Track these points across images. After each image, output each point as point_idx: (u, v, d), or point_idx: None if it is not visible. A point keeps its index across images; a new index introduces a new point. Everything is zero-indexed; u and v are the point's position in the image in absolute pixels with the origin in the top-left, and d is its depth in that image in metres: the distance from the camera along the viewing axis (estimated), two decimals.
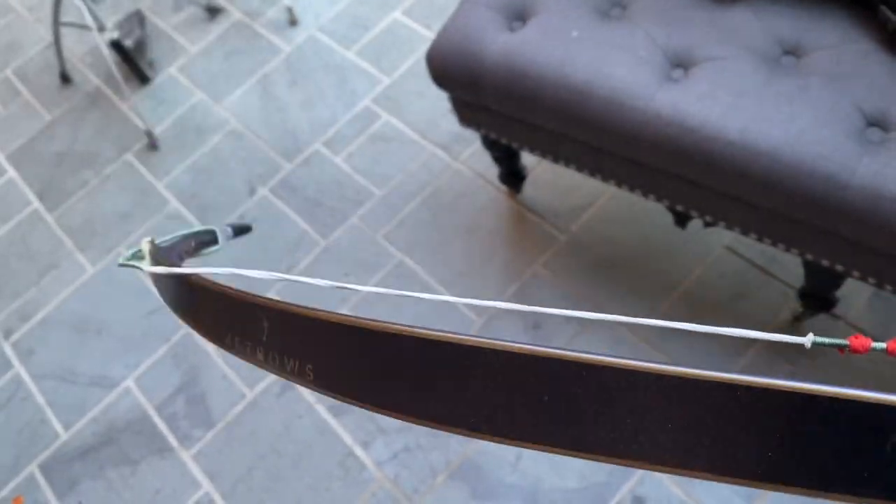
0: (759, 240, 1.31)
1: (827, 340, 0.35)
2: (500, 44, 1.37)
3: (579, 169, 1.47)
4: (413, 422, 0.40)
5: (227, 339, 0.52)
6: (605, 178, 1.44)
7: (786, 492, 0.32)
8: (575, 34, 1.32)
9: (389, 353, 0.41)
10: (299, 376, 0.45)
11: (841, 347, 0.35)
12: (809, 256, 1.27)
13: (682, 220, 1.45)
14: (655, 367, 0.34)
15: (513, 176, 1.79)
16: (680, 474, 0.33)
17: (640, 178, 1.37)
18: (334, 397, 0.43)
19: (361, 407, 0.43)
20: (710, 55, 1.23)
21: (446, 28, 1.45)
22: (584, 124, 1.30)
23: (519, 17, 1.41)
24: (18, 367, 1.95)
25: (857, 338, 0.34)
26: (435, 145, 2.02)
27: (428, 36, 2.22)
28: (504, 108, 1.42)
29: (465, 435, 0.39)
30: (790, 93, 1.15)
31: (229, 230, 0.96)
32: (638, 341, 1.61)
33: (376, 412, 0.41)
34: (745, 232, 1.32)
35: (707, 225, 1.41)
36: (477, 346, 0.38)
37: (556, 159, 1.49)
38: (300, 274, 1.90)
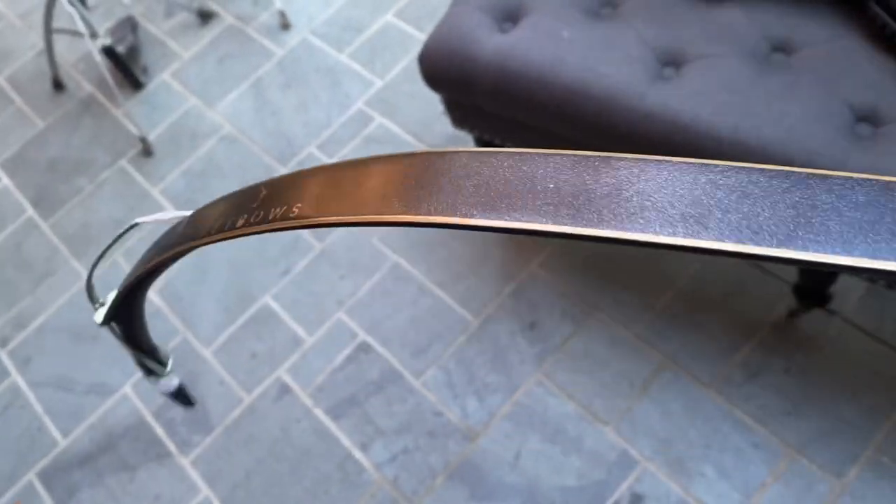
0: None
1: None
2: (491, 45, 1.37)
3: None
4: (411, 220, 0.41)
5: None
6: None
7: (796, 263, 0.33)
8: (566, 34, 1.32)
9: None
10: (282, 219, 0.48)
11: None
12: None
13: None
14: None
15: None
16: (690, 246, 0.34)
17: None
18: (319, 224, 0.45)
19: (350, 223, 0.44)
20: (701, 53, 1.23)
21: (438, 30, 1.45)
22: (577, 124, 1.30)
23: (510, 18, 1.42)
24: (15, 376, 1.95)
25: None
26: (429, 147, 2.02)
27: (420, 38, 2.22)
28: (497, 109, 1.42)
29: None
30: (780, 90, 1.16)
31: (173, 386, 0.98)
32: (633, 338, 1.61)
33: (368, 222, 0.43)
34: None
35: None
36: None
37: None
38: (297, 275, 1.90)
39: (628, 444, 1.51)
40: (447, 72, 1.43)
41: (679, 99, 1.20)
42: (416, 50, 2.20)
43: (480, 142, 1.65)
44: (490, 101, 1.41)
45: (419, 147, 2.03)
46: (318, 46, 2.33)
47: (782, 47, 1.22)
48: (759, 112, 1.14)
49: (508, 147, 1.55)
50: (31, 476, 1.79)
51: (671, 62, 1.26)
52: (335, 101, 2.19)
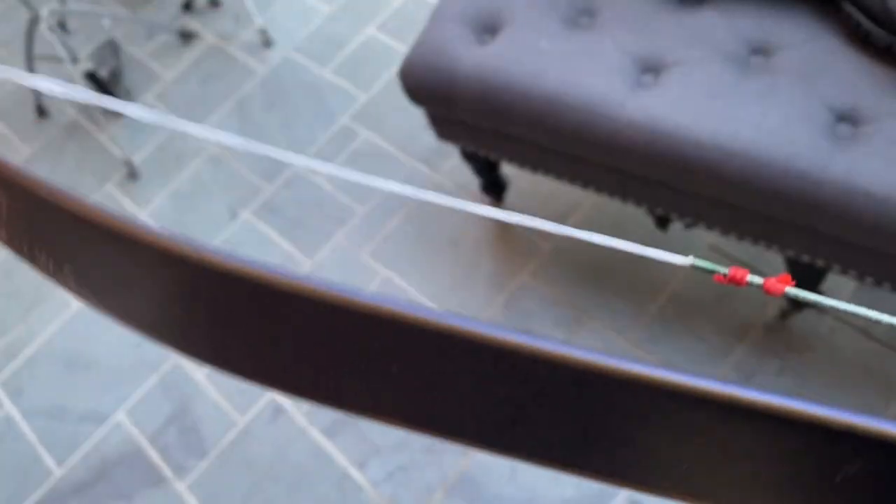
0: (740, 239, 1.31)
1: (707, 266, 0.38)
2: (471, 58, 1.37)
3: (558, 177, 1.47)
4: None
5: None
6: (584, 186, 1.45)
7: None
8: (544, 45, 1.32)
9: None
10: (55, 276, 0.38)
11: (720, 275, 0.38)
12: (790, 253, 1.27)
13: (662, 222, 1.46)
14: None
15: (494, 186, 1.79)
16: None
17: (618, 184, 1.37)
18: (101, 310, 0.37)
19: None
20: (679, 59, 1.23)
21: (417, 44, 1.45)
22: (558, 134, 1.30)
23: (488, 31, 1.42)
24: (9, 407, 1.93)
25: (736, 269, 0.38)
26: (416, 159, 2.02)
27: (403, 50, 2.22)
28: (479, 122, 1.42)
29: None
30: (760, 92, 1.16)
31: None
32: (627, 345, 1.61)
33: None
34: (725, 232, 1.32)
35: (688, 226, 1.42)
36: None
37: (534, 169, 1.50)
38: None
39: None
40: (428, 87, 1.42)
41: (659, 106, 1.20)
42: (398, 63, 2.19)
43: (465, 153, 1.65)
44: (472, 114, 1.40)
45: (406, 160, 2.03)
46: (300, 63, 2.32)
47: (761, 50, 1.22)
48: (738, 116, 1.14)
49: (493, 157, 1.55)
50: None
51: (650, 69, 1.26)
52: (320, 118, 2.19)
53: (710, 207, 1.26)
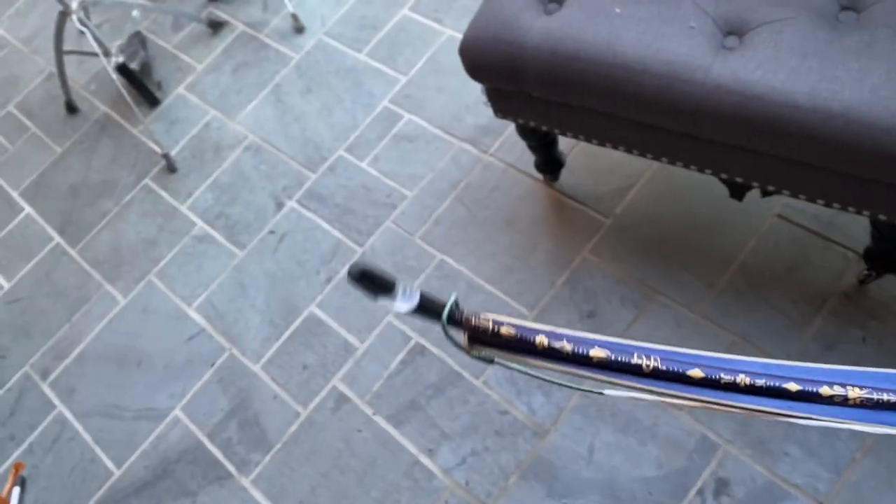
0: (827, 205, 1.27)
1: None
2: (539, 28, 1.32)
3: (628, 150, 1.43)
4: None
5: None
6: (657, 157, 1.40)
7: None
8: (618, 10, 1.27)
9: None
10: None
11: None
12: (883, 217, 1.23)
13: (739, 191, 1.41)
14: None
15: (550, 164, 1.75)
16: None
17: (697, 152, 1.32)
18: None
19: None
20: (765, 18, 1.18)
21: (477, 18, 1.40)
22: (638, 103, 1.25)
23: None
24: (61, 407, 1.90)
25: None
26: (462, 140, 1.98)
27: (439, 30, 2.17)
28: (547, 95, 1.37)
29: None
30: (856, 49, 1.11)
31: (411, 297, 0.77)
32: (699, 319, 1.57)
33: None
34: (811, 199, 1.28)
35: (766, 195, 1.37)
36: None
37: (602, 142, 1.45)
38: (341, 282, 1.85)
39: (706, 428, 1.46)
40: (492, 61, 1.38)
41: (748, 68, 1.15)
42: (436, 42, 2.15)
43: (524, 130, 1.61)
44: (540, 87, 1.36)
45: (452, 141, 1.98)
46: (334, 47, 2.27)
47: (850, 5, 1.17)
48: (836, 75, 1.10)
49: (556, 132, 1.50)
50: None
51: (734, 31, 1.21)
52: (359, 102, 2.14)
53: (800, 173, 1.22)
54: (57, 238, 2.20)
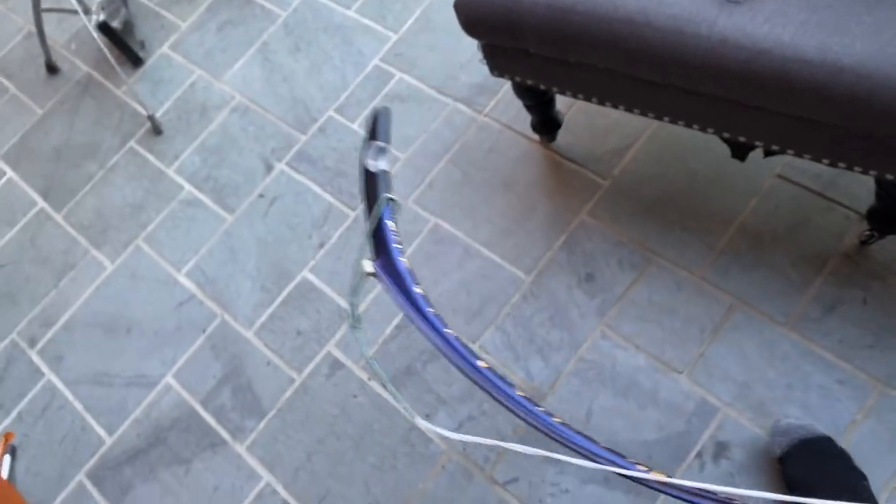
0: (832, 164, 1.24)
1: None
2: None
3: (629, 108, 1.39)
4: None
5: None
6: (659, 116, 1.36)
7: None
8: None
9: None
10: None
11: None
12: (890, 177, 1.20)
13: (742, 151, 1.38)
14: None
15: (547, 124, 1.71)
16: None
17: (700, 111, 1.29)
18: None
19: None
20: None
21: None
22: (640, 59, 1.21)
23: None
24: (49, 375, 1.87)
25: None
26: (455, 100, 1.93)
27: None
28: (547, 51, 1.32)
29: None
30: (868, 2, 1.07)
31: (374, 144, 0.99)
32: (699, 281, 1.55)
33: None
34: (816, 158, 1.24)
35: (769, 154, 1.34)
36: None
37: (601, 101, 1.41)
38: (333, 247, 1.82)
39: (705, 391, 1.45)
40: (488, 15, 1.32)
41: (755, 22, 1.11)
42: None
43: (521, 88, 1.56)
44: (538, 43, 1.31)
45: (445, 101, 1.93)
46: (322, 4, 2.20)
47: None
48: (848, 27, 1.05)
49: (554, 90, 1.46)
50: (80, 477, 1.73)
51: None
52: (349, 61, 2.08)
53: (807, 131, 1.18)
54: (41, 202, 2.15)
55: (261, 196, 1.95)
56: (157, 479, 1.68)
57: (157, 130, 2.14)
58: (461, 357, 0.83)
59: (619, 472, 0.74)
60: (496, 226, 1.73)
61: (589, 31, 1.22)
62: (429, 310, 0.86)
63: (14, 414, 1.85)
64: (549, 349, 1.57)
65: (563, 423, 0.79)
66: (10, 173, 2.24)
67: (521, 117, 1.80)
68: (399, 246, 0.91)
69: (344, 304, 1.74)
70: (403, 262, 0.90)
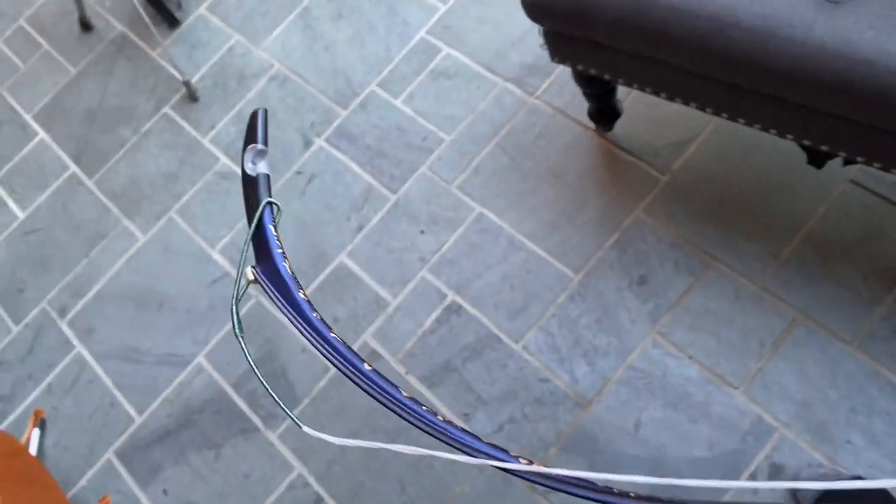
0: None
1: None
2: None
3: (700, 107, 1.29)
4: None
5: None
6: (734, 117, 1.27)
7: None
8: None
9: None
10: None
11: None
12: None
13: (821, 159, 1.28)
14: None
15: (606, 113, 1.61)
16: None
17: (783, 116, 1.19)
18: None
19: None
20: None
21: None
22: (723, 61, 1.11)
23: None
24: (79, 347, 1.84)
25: None
26: (505, 79, 1.83)
27: None
28: (619, 44, 1.23)
29: None
30: None
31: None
32: (759, 291, 1.46)
33: None
34: None
35: (847, 163, 1.24)
36: None
37: (671, 97, 1.31)
38: (372, 231, 1.75)
39: (762, 409, 1.38)
40: (558, 1, 1.23)
41: (858, 28, 1.01)
42: None
43: (582, 77, 1.47)
44: (610, 35, 1.21)
45: (495, 80, 1.83)
46: None
47: None
48: None
49: (620, 82, 1.36)
50: (109, 455, 1.70)
51: None
52: (394, 31, 1.99)
53: None
54: (73, 167, 2.09)
55: (298, 173, 1.88)
56: (186, 463, 1.65)
57: (192, 97, 2.07)
58: (347, 361, 0.85)
59: (499, 466, 0.76)
60: (543, 218, 1.65)
61: (670, 27, 1.13)
62: (314, 315, 0.85)
63: (44, 385, 1.82)
64: (596, 354, 1.50)
65: (448, 422, 0.83)
66: (42, 134, 2.18)
67: (576, 102, 1.70)
68: (281, 251, 0.90)
69: (382, 291, 1.68)
70: (286, 266, 0.89)
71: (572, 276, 1.58)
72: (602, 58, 1.31)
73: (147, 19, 2.05)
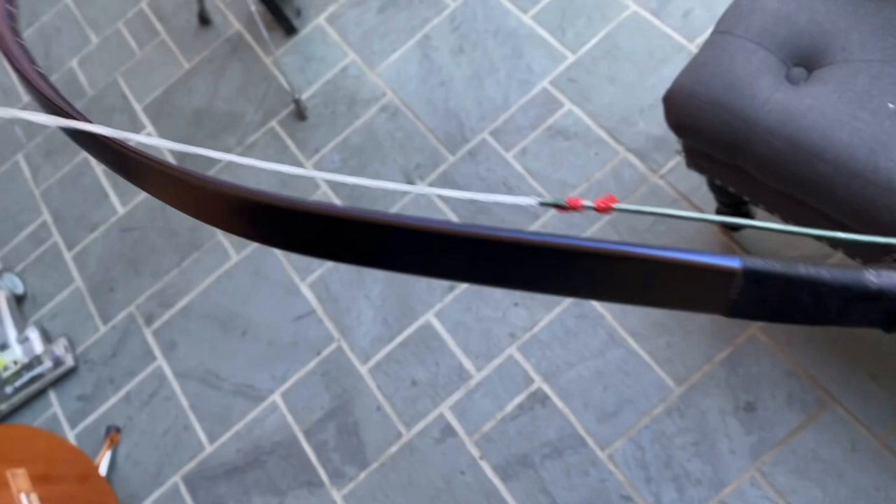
0: None
1: (550, 201, 0.40)
2: (777, 102, 1.04)
3: (851, 257, 1.16)
4: None
5: None
6: (865, 262, 1.13)
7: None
8: (892, 106, 0.98)
9: None
10: None
11: (562, 206, 0.40)
12: None
13: None
14: None
15: (735, 214, 1.48)
16: None
17: None
18: None
19: None
20: None
21: (696, 67, 1.12)
22: (889, 231, 0.98)
23: (802, 62, 1.07)
24: (161, 360, 1.85)
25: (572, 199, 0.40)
26: (628, 150, 1.71)
27: (627, 4, 1.84)
28: (769, 181, 1.10)
29: None
30: None
31: None
32: (879, 447, 1.33)
33: None
34: None
35: None
36: None
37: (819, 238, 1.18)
38: (464, 294, 1.68)
39: None
40: (706, 127, 1.11)
41: None
42: (617, 19, 1.84)
43: (717, 188, 1.34)
44: (761, 172, 1.09)
45: (616, 148, 1.71)
46: (498, 1, 1.98)
47: None
48: None
49: (754, 205, 1.23)
50: (176, 478, 1.71)
51: None
52: (515, 77, 1.88)
53: None
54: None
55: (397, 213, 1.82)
56: None
57: (301, 115, 2.02)
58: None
59: None
60: (651, 316, 1.55)
61: (834, 185, 1.00)
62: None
63: (122, 393, 1.84)
64: (687, 481, 1.40)
65: None
66: (149, 127, 2.18)
67: (703, 191, 1.56)
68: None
69: (466, 362, 1.61)
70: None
71: (673, 388, 1.47)
72: (746, 182, 1.19)
73: (261, 25, 2.00)
